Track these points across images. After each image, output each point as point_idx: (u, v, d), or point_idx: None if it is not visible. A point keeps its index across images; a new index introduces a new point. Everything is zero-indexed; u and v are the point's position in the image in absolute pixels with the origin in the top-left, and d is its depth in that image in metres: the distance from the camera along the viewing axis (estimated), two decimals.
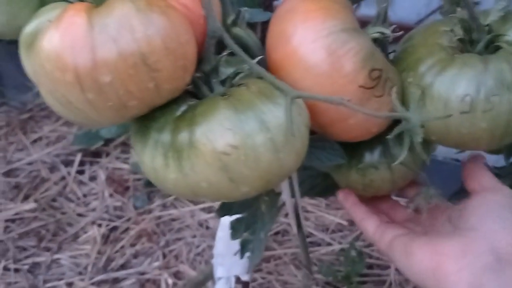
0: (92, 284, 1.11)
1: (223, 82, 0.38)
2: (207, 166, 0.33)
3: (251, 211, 0.47)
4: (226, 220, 0.72)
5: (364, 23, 0.42)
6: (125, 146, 1.56)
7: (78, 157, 1.52)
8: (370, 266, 1.17)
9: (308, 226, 1.24)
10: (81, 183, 1.46)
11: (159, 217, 1.32)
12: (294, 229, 0.65)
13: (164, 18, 0.31)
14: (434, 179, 0.51)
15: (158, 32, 0.30)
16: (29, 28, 0.36)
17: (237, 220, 0.47)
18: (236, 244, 0.70)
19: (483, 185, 0.44)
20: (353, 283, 1.08)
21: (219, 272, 0.72)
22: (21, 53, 0.37)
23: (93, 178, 1.48)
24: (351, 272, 1.09)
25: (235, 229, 0.47)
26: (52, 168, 1.50)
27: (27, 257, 1.18)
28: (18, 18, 0.39)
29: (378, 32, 0.42)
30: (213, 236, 1.29)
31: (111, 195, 1.40)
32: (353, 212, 0.50)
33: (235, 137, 0.32)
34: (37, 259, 1.18)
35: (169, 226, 1.31)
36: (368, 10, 0.48)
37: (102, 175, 1.47)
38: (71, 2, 0.37)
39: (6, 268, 1.13)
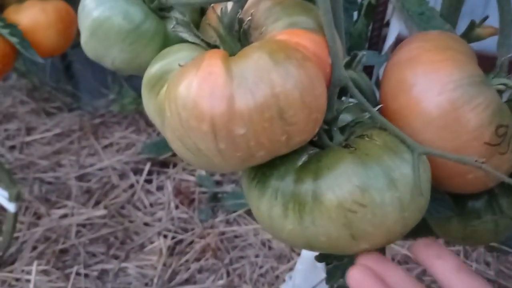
0: None
1: (341, 129, 0.38)
2: (330, 221, 0.32)
3: (351, 258, 0.46)
4: (307, 253, 0.71)
5: None
6: None
7: (147, 166, 1.54)
8: None
9: None
10: (148, 192, 1.48)
11: (223, 233, 1.32)
12: None
13: (302, 71, 0.30)
14: None
15: (296, 86, 0.30)
16: (153, 69, 0.36)
17: (335, 266, 0.45)
18: (314, 278, 0.68)
19: None
20: None
21: None
22: (143, 92, 0.37)
23: (160, 188, 1.49)
24: None
25: (332, 275, 0.45)
26: (122, 175, 1.53)
27: (96, 263, 1.21)
28: (140, 57, 0.40)
29: (502, 84, 0.40)
30: (275, 257, 1.27)
31: (177, 207, 1.42)
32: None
33: (363, 195, 0.31)
34: (106, 266, 1.20)
35: (232, 243, 1.30)
36: None
37: (169, 186, 1.48)
38: (196, 44, 0.37)
39: (77, 273, 1.16)
